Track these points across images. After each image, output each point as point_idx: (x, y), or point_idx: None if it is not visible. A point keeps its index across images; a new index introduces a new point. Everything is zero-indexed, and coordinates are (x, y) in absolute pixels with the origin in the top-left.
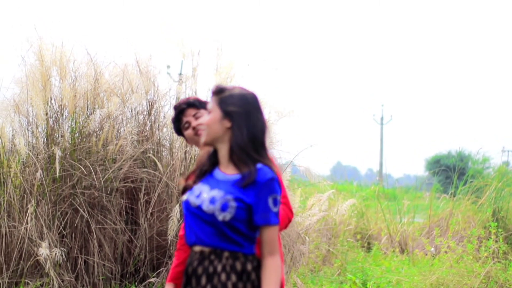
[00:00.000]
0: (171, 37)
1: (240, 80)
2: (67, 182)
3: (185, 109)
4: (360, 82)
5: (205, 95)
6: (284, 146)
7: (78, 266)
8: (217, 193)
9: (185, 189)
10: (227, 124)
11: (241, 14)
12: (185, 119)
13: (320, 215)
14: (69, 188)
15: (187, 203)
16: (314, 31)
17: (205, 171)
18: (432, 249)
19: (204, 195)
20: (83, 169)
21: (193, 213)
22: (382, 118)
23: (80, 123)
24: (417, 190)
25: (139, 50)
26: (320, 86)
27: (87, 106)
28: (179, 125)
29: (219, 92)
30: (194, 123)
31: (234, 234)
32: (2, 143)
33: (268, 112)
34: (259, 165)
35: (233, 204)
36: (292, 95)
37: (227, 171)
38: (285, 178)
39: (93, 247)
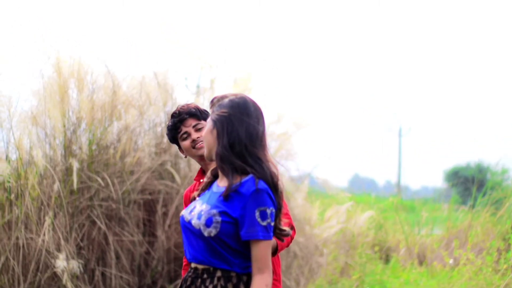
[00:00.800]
0: (188, 48)
1: (258, 92)
2: (84, 194)
3: (185, 119)
4: (378, 93)
5: None
6: (302, 158)
7: (96, 278)
8: (204, 208)
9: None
10: (215, 133)
11: (249, 21)
12: (184, 129)
13: (338, 227)
14: (86, 200)
15: (182, 218)
16: (331, 39)
17: (207, 184)
18: (451, 261)
19: (195, 209)
20: (100, 181)
21: (187, 228)
22: (400, 130)
23: (97, 135)
24: (436, 202)
25: (156, 62)
26: (337, 96)
27: (105, 118)
28: (175, 133)
29: (214, 102)
30: (194, 135)
31: (225, 250)
32: (19, 155)
33: (286, 124)
34: (248, 176)
35: (218, 218)
36: (309, 107)
37: (220, 183)
38: (303, 190)
39: (111, 259)
